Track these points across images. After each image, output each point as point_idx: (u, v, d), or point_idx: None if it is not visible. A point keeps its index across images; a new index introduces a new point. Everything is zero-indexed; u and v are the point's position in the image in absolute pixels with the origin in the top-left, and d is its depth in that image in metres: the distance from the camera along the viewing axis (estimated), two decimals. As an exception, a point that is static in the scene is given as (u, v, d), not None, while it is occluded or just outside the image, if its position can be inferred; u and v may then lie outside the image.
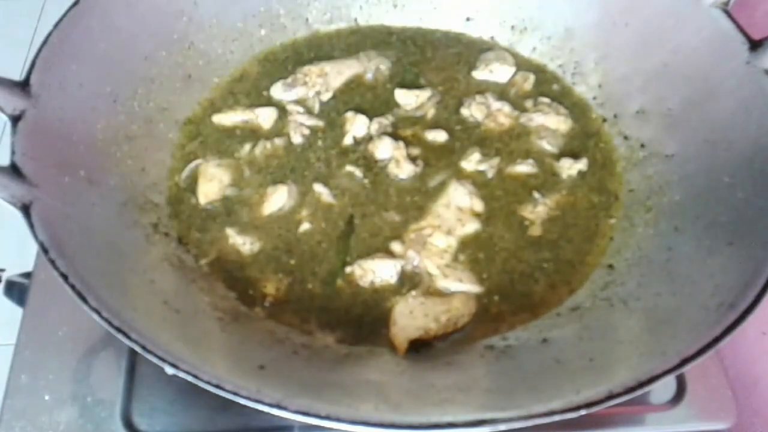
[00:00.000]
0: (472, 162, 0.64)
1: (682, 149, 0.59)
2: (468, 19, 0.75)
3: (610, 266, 0.56)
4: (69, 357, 0.58)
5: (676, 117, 0.60)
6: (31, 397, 0.55)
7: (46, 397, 0.55)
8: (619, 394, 0.38)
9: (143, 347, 0.39)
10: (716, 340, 0.40)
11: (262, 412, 0.38)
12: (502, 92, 0.70)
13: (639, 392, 0.38)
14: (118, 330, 0.40)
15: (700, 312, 0.44)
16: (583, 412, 0.38)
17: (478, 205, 0.61)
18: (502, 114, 0.68)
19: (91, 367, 0.57)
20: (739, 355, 0.60)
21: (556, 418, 0.37)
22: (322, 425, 0.37)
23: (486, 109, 0.68)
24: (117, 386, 0.56)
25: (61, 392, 0.56)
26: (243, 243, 0.59)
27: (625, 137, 0.65)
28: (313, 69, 0.70)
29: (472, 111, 0.68)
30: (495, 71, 0.72)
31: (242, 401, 0.38)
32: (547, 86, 0.71)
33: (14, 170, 0.47)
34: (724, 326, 0.41)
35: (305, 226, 0.60)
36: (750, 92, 0.54)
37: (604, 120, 0.67)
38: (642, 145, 0.63)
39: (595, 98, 0.69)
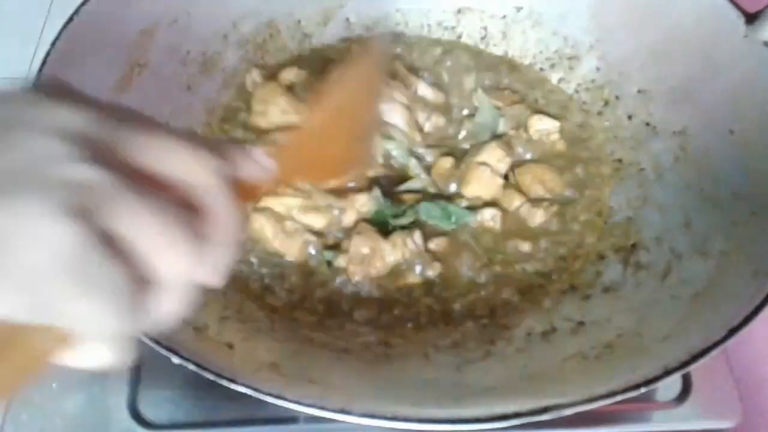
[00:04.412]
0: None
1: (689, 125, 0.60)
2: (459, 11, 0.76)
3: (634, 245, 0.57)
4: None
5: (680, 95, 0.61)
6: (38, 385, 0.55)
7: (54, 385, 0.56)
8: (675, 369, 0.39)
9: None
10: (758, 308, 0.41)
11: (267, 402, 0.38)
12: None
13: (693, 366, 0.39)
14: (184, 359, 0.39)
15: (737, 282, 0.45)
16: (643, 389, 0.38)
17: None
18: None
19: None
20: (746, 355, 0.61)
21: (618, 398, 0.38)
22: (387, 426, 0.37)
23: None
24: (124, 375, 0.56)
25: (68, 380, 0.56)
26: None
27: (629, 117, 0.66)
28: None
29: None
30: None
31: (305, 409, 0.38)
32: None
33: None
34: (764, 294, 0.42)
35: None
36: (752, 64, 0.55)
37: (606, 103, 0.69)
38: (647, 124, 0.64)
39: (593, 81, 0.70)
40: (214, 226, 0.26)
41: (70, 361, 0.24)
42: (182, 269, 0.24)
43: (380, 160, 0.64)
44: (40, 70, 0.52)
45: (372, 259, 0.57)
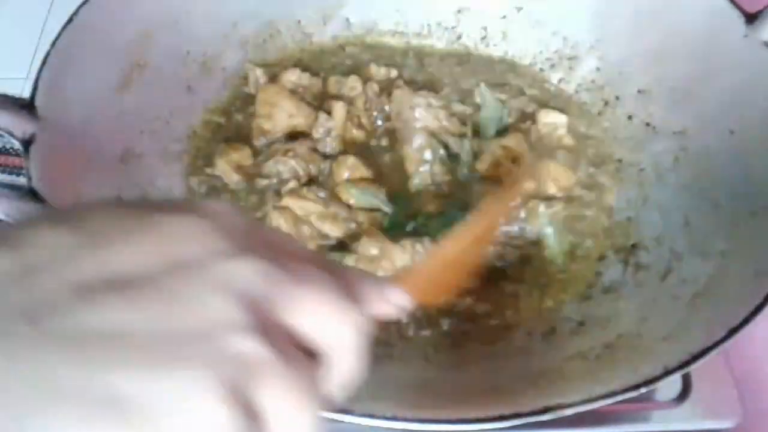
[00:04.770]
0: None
1: (689, 125, 0.60)
2: (459, 11, 0.76)
3: (634, 245, 0.57)
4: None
5: (680, 95, 0.61)
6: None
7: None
8: (675, 369, 0.39)
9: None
10: (758, 308, 0.41)
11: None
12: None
13: (693, 366, 0.39)
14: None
15: (737, 282, 0.45)
16: (643, 389, 0.38)
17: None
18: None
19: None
20: (746, 355, 0.61)
21: (618, 398, 0.38)
22: (387, 426, 0.37)
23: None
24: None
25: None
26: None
27: (629, 117, 0.66)
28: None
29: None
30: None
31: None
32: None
33: (33, 195, 0.46)
34: (764, 294, 0.42)
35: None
36: (751, 64, 0.55)
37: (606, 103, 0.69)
38: (647, 124, 0.64)
39: (593, 81, 0.70)
40: (335, 378, 0.25)
41: None
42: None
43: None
44: (40, 70, 0.52)
45: (380, 261, 0.56)
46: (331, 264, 0.27)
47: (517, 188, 0.45)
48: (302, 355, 0.23)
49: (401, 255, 0.57)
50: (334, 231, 0.59)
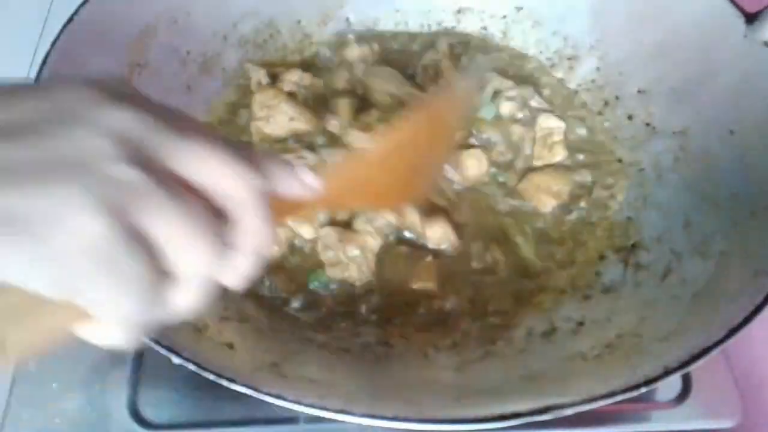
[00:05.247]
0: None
1: (689, 125, 0.60)
2: (459, 11, 0.76)
3: (634, 245, 0.57)
4: (77, 345, 0.56)
5: (680, 95, 0.61)
6: (38, 385, 0.55)
7: (54, 385, 0.55)
8: (675, 369, 0.39)
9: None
10: (758, 308, 0.41)
11: (267, 402, 0.38)
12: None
13: (693, 366, 0.39)
14: (184, 360, 0.39)
15: (737, 282, 0.45)
16: (643, 389, 0.38)
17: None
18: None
19: (98, 356, 0.57)
20: (746, 355, 0.61)
21: (618, 398, 0.38)
22: (387, 426, 0.37)
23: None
24: (124, 375, 0.56)
25: (68, 380, 0.56)
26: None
27: (629, 117, 0.66)
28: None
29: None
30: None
31: (304, 409, 0.38)
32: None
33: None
34: (764, 294, 0.42)
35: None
36: (751, 65, 0.55)
37: (606, 104, 0.69)
38: (647, 124, 0.64)
39: (593, 81, 0.70)
40: (241, 236, 0.28)
41: (84, 334, 0.27)
42: (201, 268, 0.26)
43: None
44: (40, 70, 0.52)
45: (346, 246, 0.56)
46: (231, 139, 0.29)
47: (453, 100, 0.44)
48: (193, 195, 0.26)
49: (366, 234, 0.57)
50: (309, 233, 0.59)
